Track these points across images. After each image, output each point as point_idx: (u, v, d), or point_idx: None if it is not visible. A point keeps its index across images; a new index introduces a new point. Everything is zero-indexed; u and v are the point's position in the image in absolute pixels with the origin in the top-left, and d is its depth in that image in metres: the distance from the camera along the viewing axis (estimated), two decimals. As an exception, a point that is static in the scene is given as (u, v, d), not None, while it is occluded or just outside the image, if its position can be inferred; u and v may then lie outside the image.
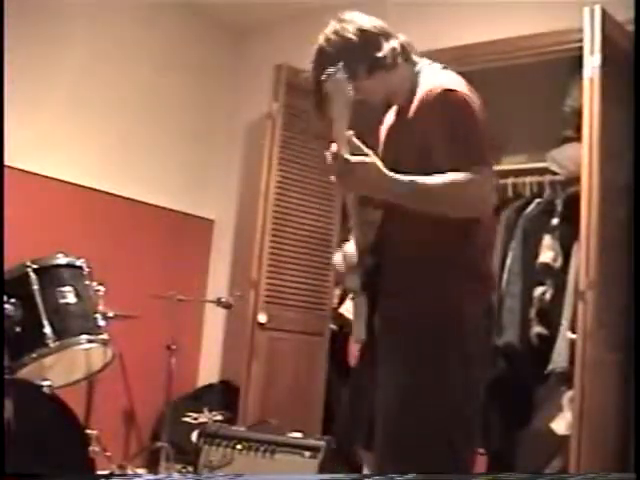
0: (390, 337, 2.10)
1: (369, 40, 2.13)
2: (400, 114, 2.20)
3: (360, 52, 2.11)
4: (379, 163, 1.95)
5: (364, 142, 2.05)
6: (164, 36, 4.60)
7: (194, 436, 3.61)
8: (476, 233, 2.06)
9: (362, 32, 2.13)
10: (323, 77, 1.90)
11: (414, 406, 1.99)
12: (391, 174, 1.95)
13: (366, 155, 1.96)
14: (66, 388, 3.04)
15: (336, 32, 2.13)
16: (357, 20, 2.15)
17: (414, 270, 2.08)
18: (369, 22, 2.16)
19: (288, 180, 4.24)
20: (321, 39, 2.15)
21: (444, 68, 2.16)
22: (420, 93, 2.07)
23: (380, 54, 2.12)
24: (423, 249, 2.07)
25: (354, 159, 1.92)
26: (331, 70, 1.88)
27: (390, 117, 2.28)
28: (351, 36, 2.12)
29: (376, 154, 2.04)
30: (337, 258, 2.22)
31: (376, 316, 2.14)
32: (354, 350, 4.27)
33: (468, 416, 2.03)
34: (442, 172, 1.94)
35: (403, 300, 2.08)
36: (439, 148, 1.99)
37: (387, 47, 2.13)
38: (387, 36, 2.15)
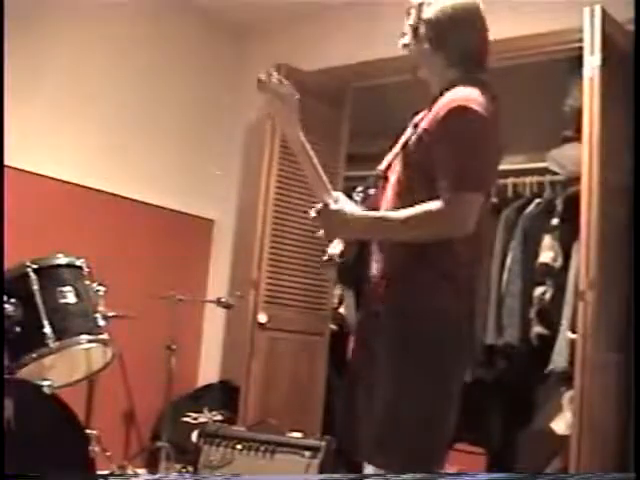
0: (369, 331, 2.14)
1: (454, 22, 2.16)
2: (420, 122, 2.20)
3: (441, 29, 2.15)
4: (349, 209, 2.09)
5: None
6: (164, 36, 4.59)
7: (194, 436, 3.61)
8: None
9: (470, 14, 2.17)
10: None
11: (387, 405, 2.02)
12: (361, 215, 2.08)
13: (338, 201, 2.10)
14: (66, 388, 3.03)
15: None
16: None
17: (391, 266, 2.10)
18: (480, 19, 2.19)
19: (288, 180, 4.24)
20: None
21: (476, 80, 2.13)
22: (441, 101, 2.08)
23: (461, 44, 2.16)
24: (398, 246, 2.09)
25: (331, 211, 2.08)
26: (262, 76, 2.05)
27: (413, 123, 2.27)
28: (447, 12, 2.15)
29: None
30: (332, 250, 2.25)
31: (360, 313, 2.20)
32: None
33: (437, 415, 2.03)
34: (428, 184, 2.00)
35: (381, 295, 2.10)
36: (437, 165, 2.01)
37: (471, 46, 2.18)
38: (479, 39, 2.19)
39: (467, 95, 2.03)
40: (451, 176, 1.96)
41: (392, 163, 2.22)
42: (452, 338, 2.05)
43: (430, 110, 2.14)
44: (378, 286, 2.11)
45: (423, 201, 1.99)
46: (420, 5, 2.18)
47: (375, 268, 2.13)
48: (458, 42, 2.16)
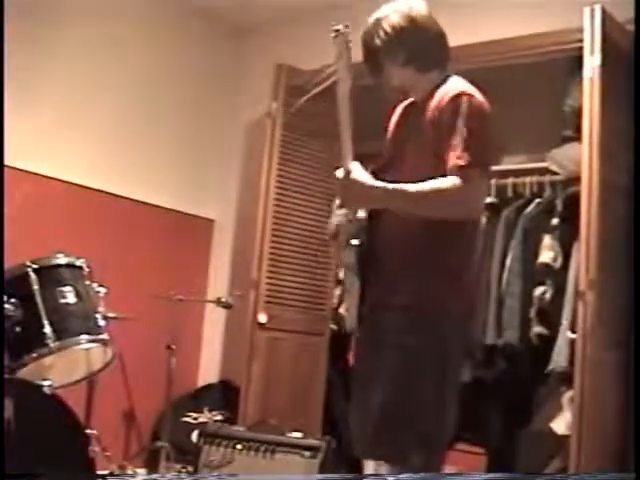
0: (375, 330, 2.17)
1: (420, 32, 2.22)
2: (415, 107, 2.28)
3: (408, 41, 2.22)
4: (370, 179, 2.11)
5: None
6: (164, 36, 4.59)
7: (194, 436, 3.61)
8: (459, 237, 2.12)
9: (417, 23, 2.23)
10: (332, 34, 2.11)
11: (392, 400, 2.06)
12: (382, 186, 2.08)
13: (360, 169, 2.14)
14: (66, 388, 3.03)
15: (395, 15, 2.23)
16: (420, 11, 2.24)
17: (400, 265, 2.15)
18: (432, 20, 2.26)
19: (288, 180, 4.24)
20: (388, 15, 2.25)
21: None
22: (441, 93, 2.15)
23: (425, 51, 2.23)
24: (408, 246, 2.14)
25: (352, 179, 2.11)
26: (339, 27, 2.11)
27: (403, 108, 2.37)
28: (405, 24, 2.22)
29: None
30: (335, 219, 2.27)
31: (365, 308, 2.20)
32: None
33: (442, 411, 2.08)
34: (442, 168, 2.04)
35: (390, 293, 2.14)
36: (445, 144, 2.06)
37: (435, 48, 2.25)
38: (440, 38, 2.26)
39: (467, 85, 2.16)
40: (464, 153, 2.02)
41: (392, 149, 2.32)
42: (452, 335, 2.09)
43: (424, 104, 2.20)
44: (384, 282, 2.15)
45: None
46: (379, 29, 2.27)
47: (385, 266, 2.17)
48: (432, 50, 2.25)
